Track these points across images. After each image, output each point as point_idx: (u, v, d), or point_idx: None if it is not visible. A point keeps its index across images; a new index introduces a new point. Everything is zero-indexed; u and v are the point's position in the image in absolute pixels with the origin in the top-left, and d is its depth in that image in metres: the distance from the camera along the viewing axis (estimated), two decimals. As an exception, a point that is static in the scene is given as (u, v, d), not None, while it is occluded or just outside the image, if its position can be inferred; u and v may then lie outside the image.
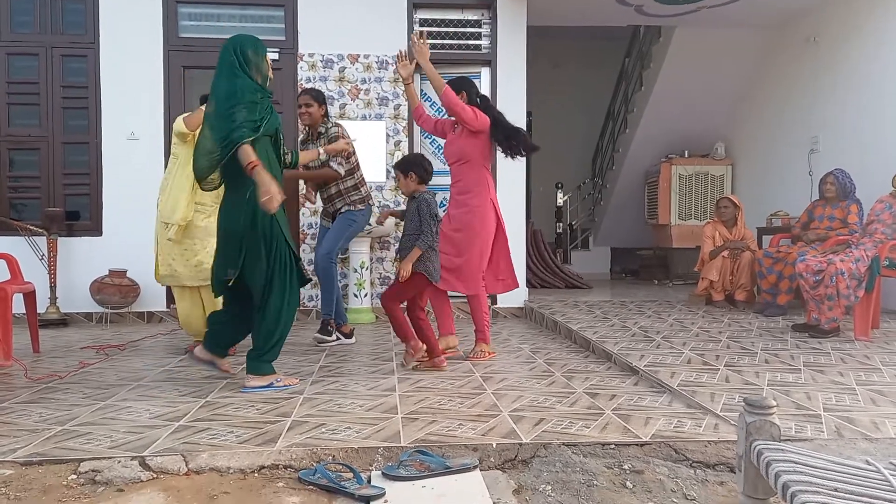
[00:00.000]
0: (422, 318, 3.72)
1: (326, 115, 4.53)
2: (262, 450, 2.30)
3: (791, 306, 5.27)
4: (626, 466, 2.23)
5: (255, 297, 3.20)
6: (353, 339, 4.58)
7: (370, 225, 4.96)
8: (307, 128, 4.52)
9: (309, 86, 5.82)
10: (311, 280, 3.51)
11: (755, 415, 1.63)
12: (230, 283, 3.17)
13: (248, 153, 3.00)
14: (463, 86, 3.99)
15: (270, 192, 2.97)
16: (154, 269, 4.10)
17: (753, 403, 1.64)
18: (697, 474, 2.20)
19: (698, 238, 6.33)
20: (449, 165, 4.09)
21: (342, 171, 4.39)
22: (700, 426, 2.53)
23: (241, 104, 3.09)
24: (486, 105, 4.04)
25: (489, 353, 4.05)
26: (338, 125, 4.45)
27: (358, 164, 4.55)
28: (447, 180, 4.18)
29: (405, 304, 3.76)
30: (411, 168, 3.69)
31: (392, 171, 3.78)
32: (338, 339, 4.51)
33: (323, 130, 4.43)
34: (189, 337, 4.33)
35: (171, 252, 4.01)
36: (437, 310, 4.11)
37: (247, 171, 2.99)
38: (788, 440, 2.20)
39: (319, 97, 4.47)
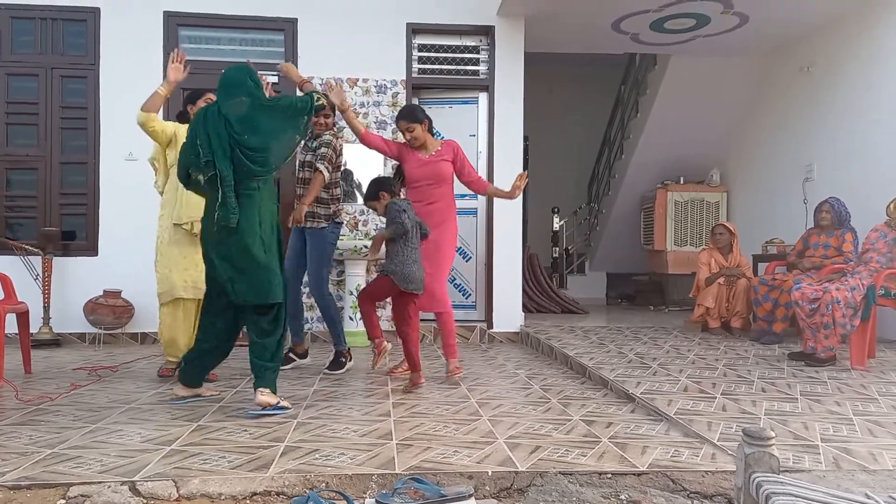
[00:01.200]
0: (407, 332, 3.81)
1: (334, 124, 4.55)
2: (254, 476, 2.26)
3: (787, 334, 5.27)
4: (622, 496, 2.21)
5: (262, 309, 3.24)
6: (307, 360, 4.58)
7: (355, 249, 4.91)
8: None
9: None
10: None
11: (754, 446, 1.62)
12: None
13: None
14: (424, 115, 4.18)
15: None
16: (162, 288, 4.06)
17: (752, 434, 1.62)
18: (695, 505, 2.18)
19: (694, 264, 6.34)
20: (417, 186, 4.14)
21: (328, 176, 4.23)
22: (697, 455, 2.51)
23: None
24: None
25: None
26: (331, 139, 4.31)
27: (336, 182, 4.40)
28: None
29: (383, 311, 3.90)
30: (380, 189, 3.88)
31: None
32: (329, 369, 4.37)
33: (319, 134, 4.35)
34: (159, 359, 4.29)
35: (171, 259, 3.98)
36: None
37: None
38: (787, 471, 2.18)
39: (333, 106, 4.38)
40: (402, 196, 4.09)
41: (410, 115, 4.13)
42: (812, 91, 6.54)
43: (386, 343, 3.95)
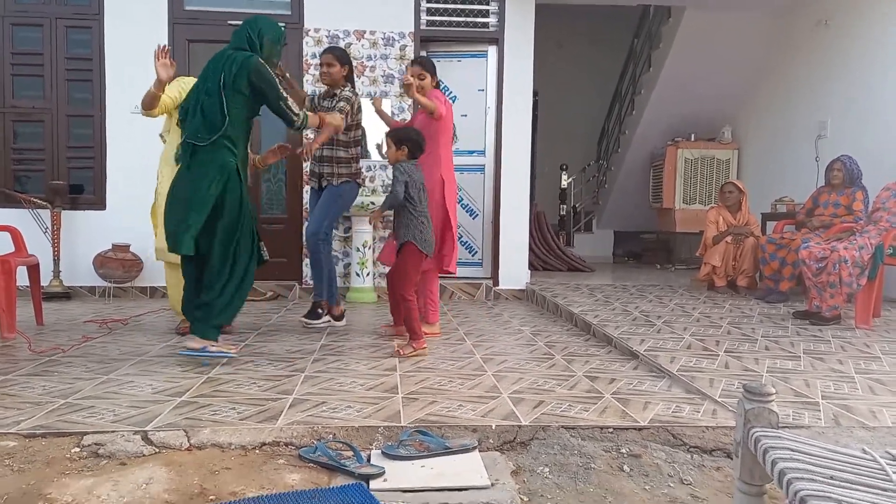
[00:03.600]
0: (413, 299, 3.62)
1: (349, 78, 4.28)
2: (263, 427, 2.32)
3: (793, 293, 5.27)
4: (623, 450, 2.25)
5: (214, 266, 3.25)
6: (343, 322, 4.39)
7: (362, 206, 4.86)
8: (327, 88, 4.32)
9: (315, 62, 5.79)
10: (267, 260, 3.53)
11: (754, 402, 1.63)
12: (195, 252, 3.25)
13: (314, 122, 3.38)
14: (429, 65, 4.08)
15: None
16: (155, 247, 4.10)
17: (752, 390, 1.64)
18: (694, 459, 2.22)
19: (702, 223, 6.31)
20: None
21: (340, 122, 4.00)
22: (698, 412, 2.54)
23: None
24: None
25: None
26: (351, 95, 4.16)
27: (357, 140, 4.32)
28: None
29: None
30: (405, 141, 3.63)
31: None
32: (328, 321, 4.33)
33: (337, 93, 4.21)
34: (175, 318, 4.35)
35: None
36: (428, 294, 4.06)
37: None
38: (786, 427, 2.21)
39: (343, 58, 4.23)
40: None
41: (424, 62, 4.08)
42: (828, 46, 6.39)
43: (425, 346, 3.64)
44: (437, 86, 4.12)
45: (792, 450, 1.45)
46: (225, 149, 3.26)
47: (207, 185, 3.20)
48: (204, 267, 3.30)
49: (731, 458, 2.17)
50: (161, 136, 4.24)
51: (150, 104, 3.88)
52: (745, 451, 1.62)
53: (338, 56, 4.21)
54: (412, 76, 3.97)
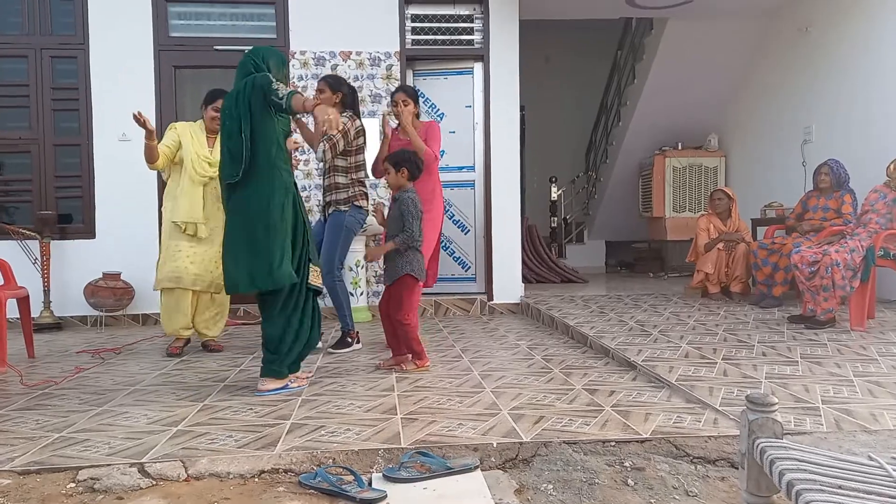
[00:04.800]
0: (413, 322, 3.66)
1: (346, 104, 4.18)
2: (261, 454, 2.28)
3: (787, 297, 5.29)
4: (627, 464, 2.23)
5: (276, 297, 3.16)
6: (360, 345, 4.38)
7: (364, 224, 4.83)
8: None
9: (301, 84, 5.80)
10: (322, 291, 3.44)
11: (757, 412, 1.63)
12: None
13: (299, 99, 3.03)
14: (412, 93, 4.34)
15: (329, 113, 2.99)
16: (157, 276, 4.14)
17: (755, 401, 1.63)
18: (699, 470, 2.20)
19: (693, 230, 6.34)
20: None
21: (337, 119, 3.65)
22: (700, 421, 2.53)
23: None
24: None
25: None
26: (346, 120, 4.08)
27: (357, 165, 4.27)
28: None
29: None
30: (404, 164, 3.64)
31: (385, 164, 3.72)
32: (356, 349, 4.32)
33: None
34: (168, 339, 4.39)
35: (167, 251, 4.10)
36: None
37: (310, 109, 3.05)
38: (788, 434, 2.20)
39: (335, 84, 4.16)
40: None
41: (408, 90, 4.37)
42: (811, 52, 6.47)
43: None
44: (418, 115, 4.34)
45: (798, 460, 1.44)
46: (275, 170, 3.16)
47: (279, 209, 3.12)
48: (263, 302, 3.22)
49: (736, 468, 2.16)
50: (162, 172, 4.37)
51: (150, 157, 4.06)
52: (750, 462, 1.61)
53: (329, 83, 4.17)
54: (398, 101, 4.22)
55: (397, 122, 4.34)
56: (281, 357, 3.18)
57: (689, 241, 6.59)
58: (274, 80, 3.11)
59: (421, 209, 3.63)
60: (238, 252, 3.12)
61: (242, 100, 3.12)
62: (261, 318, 3.26)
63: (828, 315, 4.28)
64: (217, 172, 3.91)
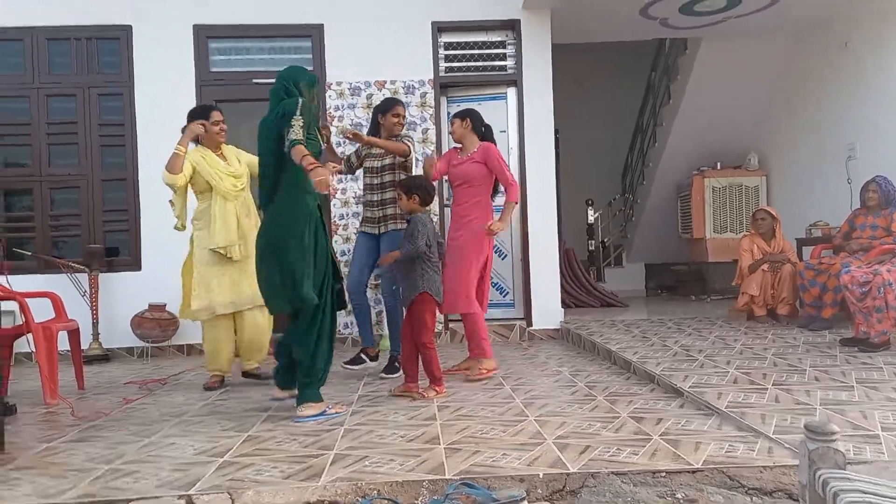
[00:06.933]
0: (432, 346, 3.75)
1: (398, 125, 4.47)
2: (306, 485, 2.28)
3: (837, 319, 5.12)
4: (679, 495, 2.17)
5: (303, 319, 3.23)
6: (375, 363, 4.54)
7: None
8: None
9: (337, 115, 5.90)
10: (347, 306, 3.53)
11: (817, 441, 1.57)
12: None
13: (300, 151, 3.08)
14: (469, 113, 4.39)
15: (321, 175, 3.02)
16: (181, 307, 4.19)
17: (815, 429, 1.57)
18: (754, 502, 2.13)
19: (735, 251, 6.20)
20: (453, 186, 4.40)
21: (406, 148, 4.32)
22: (753, 450, 2.45)
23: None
24: (490, 134, 4.44)
25: (488, 370, 4.17)
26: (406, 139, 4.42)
27: (376, 185, 4.47)
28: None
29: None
30: (416, 190, 3.78)
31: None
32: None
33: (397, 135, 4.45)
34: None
35: (209, 279, 4.10)
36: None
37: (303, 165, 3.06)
38: (849, 463, 2.12)
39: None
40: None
41: (459, 111, 4.47)
42: (851, 67, 6.34)
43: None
44: (478, 133, 4.40)
45: (864, 492, 1.38)
46: (300, 196, 3.25)
47: (300, 235, 3.21)
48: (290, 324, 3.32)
49: (795, 500, 2.08)
50: (170, 201, 4.33)
51: (176, 167, 4.08)
52: (812, 494, 1.55)
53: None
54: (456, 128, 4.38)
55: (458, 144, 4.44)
56: (314, 380, 3.26)
57: (732, 263, 6.46)
58: (298, 112, 3.18)
59: (431, 229, 3.75)
60: (262, 273, 3.29)
61: (272, 126, 3.24)
62: (279, 349, 3.37)
63: (882, 337, 4.14)
64: (243, 185, 4.20)
